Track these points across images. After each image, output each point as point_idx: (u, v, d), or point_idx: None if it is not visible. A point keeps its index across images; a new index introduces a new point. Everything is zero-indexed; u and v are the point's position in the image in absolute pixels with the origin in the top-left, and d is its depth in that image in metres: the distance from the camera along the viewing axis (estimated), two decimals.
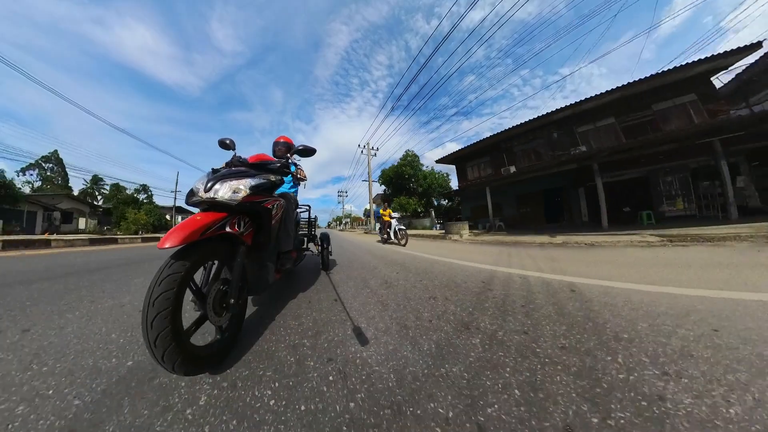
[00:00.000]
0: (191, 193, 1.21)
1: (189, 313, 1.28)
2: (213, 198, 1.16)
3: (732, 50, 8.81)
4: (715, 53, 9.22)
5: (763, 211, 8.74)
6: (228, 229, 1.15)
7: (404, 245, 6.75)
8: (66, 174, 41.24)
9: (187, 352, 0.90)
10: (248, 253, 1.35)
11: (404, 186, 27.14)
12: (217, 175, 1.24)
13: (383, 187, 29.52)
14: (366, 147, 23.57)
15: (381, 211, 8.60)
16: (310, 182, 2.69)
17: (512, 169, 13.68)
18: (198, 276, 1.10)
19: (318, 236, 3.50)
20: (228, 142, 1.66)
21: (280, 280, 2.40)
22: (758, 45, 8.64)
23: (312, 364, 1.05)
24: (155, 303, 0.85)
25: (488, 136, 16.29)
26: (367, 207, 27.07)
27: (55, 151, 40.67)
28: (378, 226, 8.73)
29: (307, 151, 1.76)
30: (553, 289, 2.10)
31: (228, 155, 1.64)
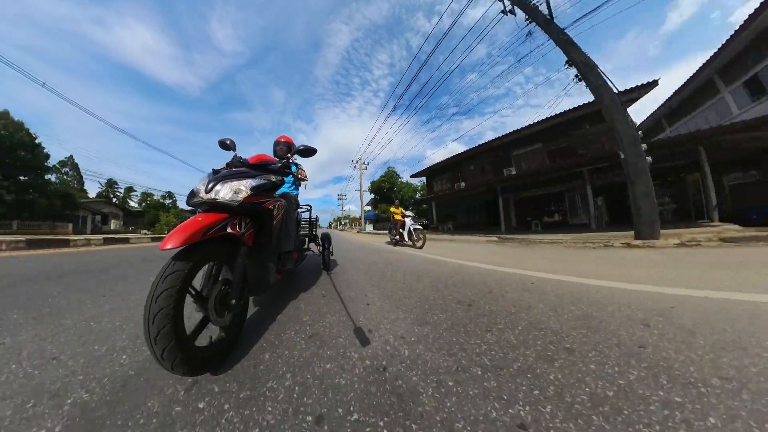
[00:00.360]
0: (192, 194, 1.22)
1: (191, 313, 1.29)
2: (214, 199, 1.17)
3: (632, 88, 10.40)
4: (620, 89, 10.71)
5: (620, 224, 10.54)
6: (229, 230, 1.15)
7: (420, 247, 5.95)
8: (81, 177, 43.14)
9: (188, 352, 0.90)
10: (249, 254, 1.36)
11: (386, 195, 34.84)
12: (218, 176, 1.25)
13: (372, 194, 36.82)
14: (358, 162, 28.76)
15: (392, 209, 8.02)
16: (310, 182, 2.69)
17: (462, 185, 17.69)
18: (199, 277, 1.11)
19: (319, 236, 3.51)
20: (228, 142, 1.67)
21: (281, 280, 2.41)
22: (654, 83, 9.94)
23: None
24: (157, 303, 0.85)
25: (448, 157, 19.89)
26: (367, 209, 33.41)
27: (71, 156, 42.85)
28: (389, 226, 8.09)
29: (308, 151, 1.75)
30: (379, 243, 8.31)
31: (228, 156, 1.65)
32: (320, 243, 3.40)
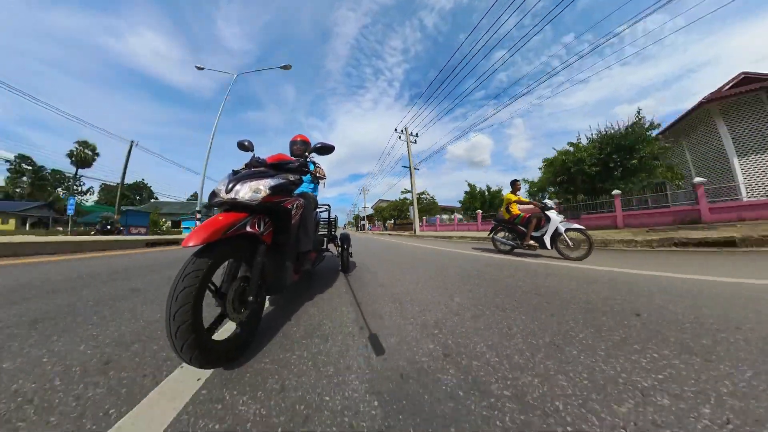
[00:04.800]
0: (213, 194, 1.25)
1: (210, 308, 1.33)
2: (234, 199, 1.20)
3: None
4: None
5: None
6: (249, 229, 1.17)
7: (580, 259, 3.67)
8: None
9: (206, 346, 0.93)
10: (268, 253, 1.38)
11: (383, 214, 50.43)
12: (238, 176, 1.27)
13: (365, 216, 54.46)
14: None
15: (508, 195, 5.05)
16: (327, 181, 2.69)
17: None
18: (219, 273, 1.14)
19: (338, 237, 3.47)
20: (246, 143, 1.70)
21: (298, 280, 2.42)
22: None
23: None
24: (178, 298, 0.88)
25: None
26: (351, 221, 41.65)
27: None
28: (505, 223, 5.04)
29: (326, 149, 1.73)
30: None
31: (247, 156, 1.68)
32: (339, 244, 3.38)
